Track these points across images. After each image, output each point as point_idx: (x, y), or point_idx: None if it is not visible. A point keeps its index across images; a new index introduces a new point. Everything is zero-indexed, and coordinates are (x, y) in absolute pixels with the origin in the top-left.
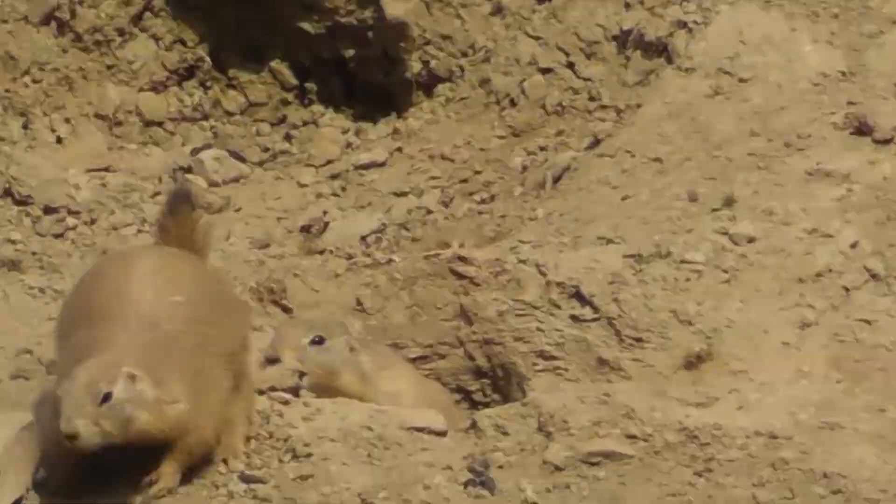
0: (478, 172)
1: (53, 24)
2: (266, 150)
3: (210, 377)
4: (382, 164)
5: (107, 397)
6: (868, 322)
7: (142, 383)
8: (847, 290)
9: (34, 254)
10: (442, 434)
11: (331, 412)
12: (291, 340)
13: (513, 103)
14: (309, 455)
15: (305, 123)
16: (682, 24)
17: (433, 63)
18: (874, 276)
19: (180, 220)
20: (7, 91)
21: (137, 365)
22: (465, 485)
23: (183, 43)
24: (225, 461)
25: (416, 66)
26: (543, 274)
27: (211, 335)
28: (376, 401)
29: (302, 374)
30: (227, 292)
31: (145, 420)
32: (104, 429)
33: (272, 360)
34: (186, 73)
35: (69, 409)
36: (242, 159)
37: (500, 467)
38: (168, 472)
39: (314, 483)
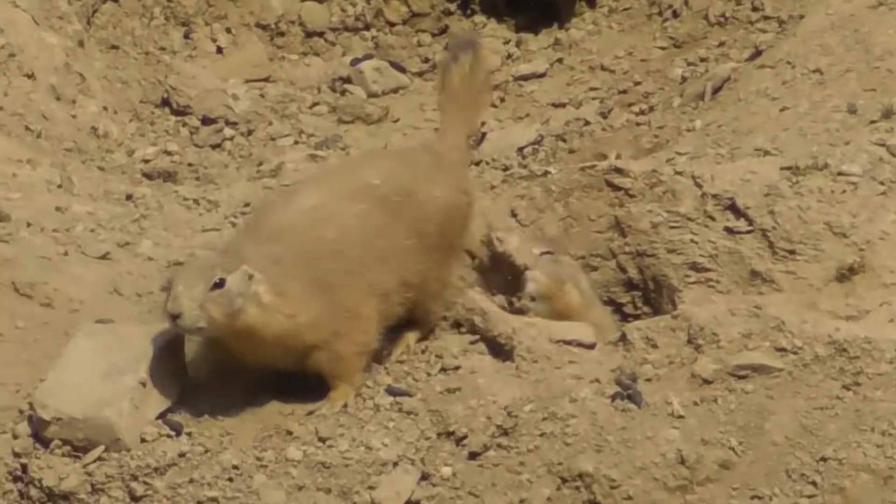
0: (637, 84)
1: None
2: (426, 60)
3: (351, 307)
4: (542, 76)
5: (219, 283)
6: None
7: (260, 285)
8: None
9: (190, 165)
10: (590, 347)
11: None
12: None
13: (675, 14)
14: (457, 368)
15: None
16: None
17: None
18: None
19: (461, 70)
20: (169, 1)
21: (261, 271)
22: (612, 398)
23: None
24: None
25: None
26: (699, 186)
27: (359, 273)
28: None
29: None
30: (433, 218)
31: (253, 315)
32: (209, 314)
33: None
34: None
35: (179, 289)
36: (402, 70)
37: (648, 380)
38: (336, 391)
39: (461, 396)
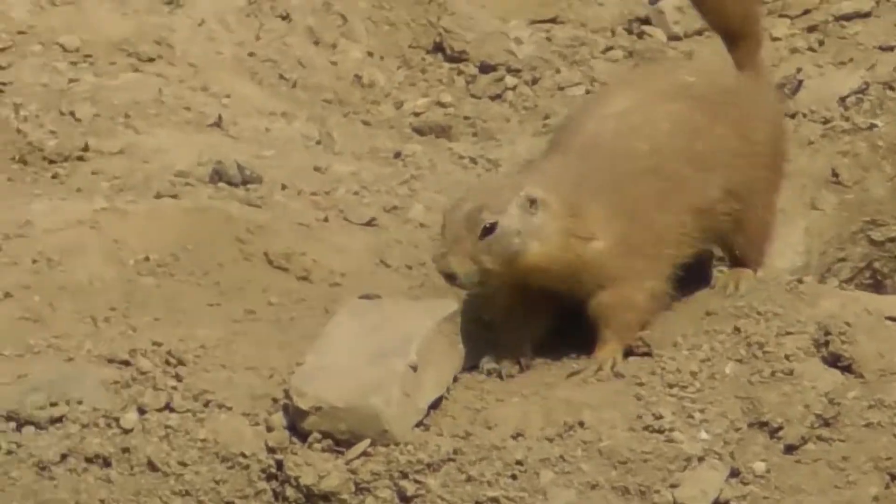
0: None
1: None
2: None
3: (659, 230)
4: (867, 15)
5: (489, 229)
6: None
7: (545, 209)
8: None
9: (466, 118)
10: None
11: None
12: None
13: None
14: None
15: None
16: None
17: None
18: None
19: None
20: None
21: (549, 188)
22: None
23: None
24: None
25: None
26: None
27: (675, 190)
28: None
29: None
30: (760, 129)
31: (538, 252)
32: (485, 266)
33: None
34: None
35: (446, 242)
36: None
37: None
38: (601, 349)
39: (773, 382)
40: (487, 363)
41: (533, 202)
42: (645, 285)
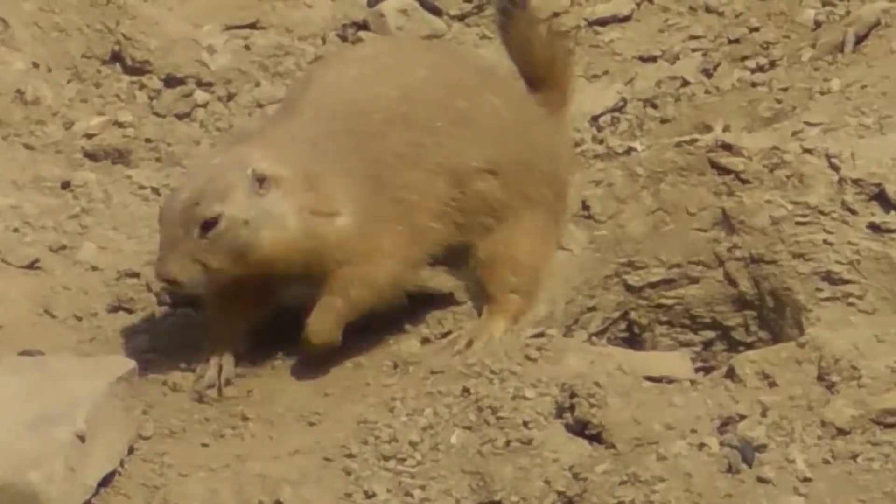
0: (754, 30)
1: None
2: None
3: (410, 191)
4: (625, 19)
5: (211, 223)
6: None
7: (277, 187)
8: None
9: (149, 141)
10: (688, 384)
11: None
12: None
13: None
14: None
15: None
16: None
17: None
18: None
19: (519, 30)
20: None
21: (280, 160)
22: (715, 454)
23: None
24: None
25: None
26: (836, 168)
27: (428, 144)
28: None
29: None
30: (496, 103)
31: (273, 241)
32: (212, 266)
33: None
34: None
35: (163, 244)
36: (438, 12)
37: (764, 429)
38: (317, 317)
39: (509, 452)
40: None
41: (262, 180)
42: (388, 265)
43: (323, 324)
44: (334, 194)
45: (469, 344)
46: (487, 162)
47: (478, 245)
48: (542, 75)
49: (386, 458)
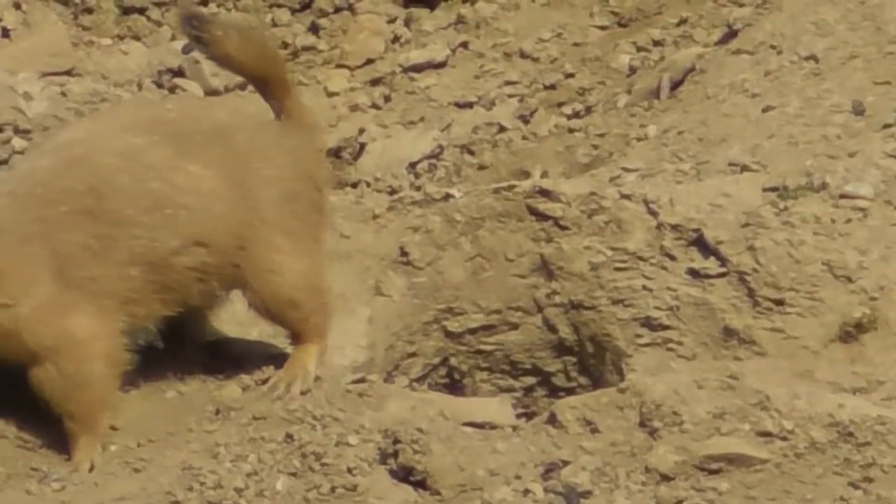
0: (569, 76)
1: None
2: (285, 45)
3: (99, 284)
4: (441, 65)
5: None
6: None
7: None
8: None
9: None
10: (510, 430)
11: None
12: None
13: None
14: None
15: (338, 10)
16: None
17: None
18: None
19: (215, 48)
20: None
21: None
22: (540, 500)
23: None
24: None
25: None
26: (654, 213)
27: (118, 236)
28: None
29: None
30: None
31: None
32: None
33: None
34: None
35: None
36: None
37: (588, 475)
38: (76, 451)
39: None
40: None
41: None
42: (84, 355)
43: (83, 454)
44: (12, 283)
45: (288, 387)
46: (191, 238)
47: (245, 294)
48: (260, 78)
49: None
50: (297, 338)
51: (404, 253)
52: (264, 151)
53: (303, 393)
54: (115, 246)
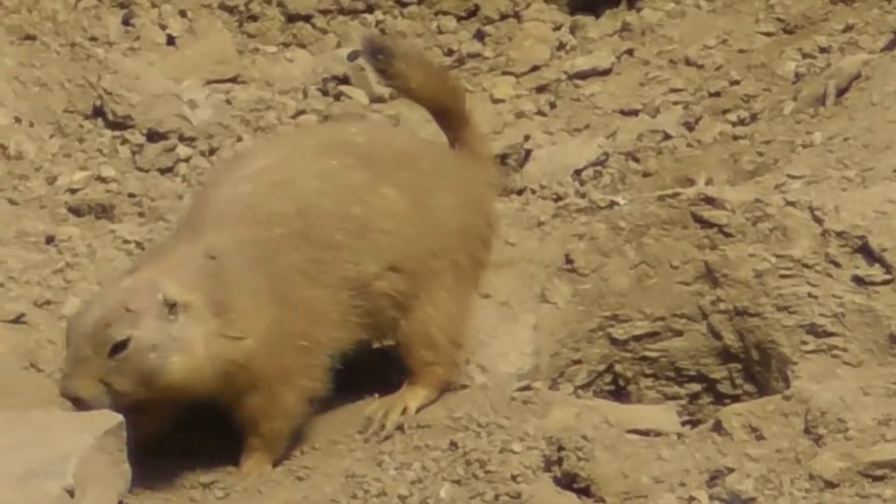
0: (735, 83)
1: None
2: (450, 52)
3: (312, 309)
4: (606, 73)
5: (120, 346)
6: None
7: (187, 313)
8: None
9: (132, 196)
10: (675, 437)
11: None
12: None
13: None
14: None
15: (504, 17)
16: None
17: None
18: None
19: (398, 79)
20: None
21: (189, 284)
22: None
23: None
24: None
25: None
26: (819, 220)
27: (328, 260)
28: None
29: None
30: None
31: (181, 366)
32: (118, 389)
33: None
34: None
35: (70, 361)
36: None
37: (752, 482)
38: (248, 460)
39: None
40: None
41: (172, 306)
42: (297, 384)
43: (253, 467)
44: (242, 318)
45: (385, 415)
46: (388, 263)
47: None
48: (440, 110)
49: None
50: (411, 376)
51: (569, 260)
52: (445, 178)
53: (397, 428)
54: (326, 269)
